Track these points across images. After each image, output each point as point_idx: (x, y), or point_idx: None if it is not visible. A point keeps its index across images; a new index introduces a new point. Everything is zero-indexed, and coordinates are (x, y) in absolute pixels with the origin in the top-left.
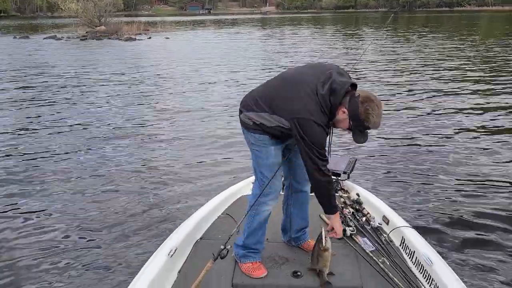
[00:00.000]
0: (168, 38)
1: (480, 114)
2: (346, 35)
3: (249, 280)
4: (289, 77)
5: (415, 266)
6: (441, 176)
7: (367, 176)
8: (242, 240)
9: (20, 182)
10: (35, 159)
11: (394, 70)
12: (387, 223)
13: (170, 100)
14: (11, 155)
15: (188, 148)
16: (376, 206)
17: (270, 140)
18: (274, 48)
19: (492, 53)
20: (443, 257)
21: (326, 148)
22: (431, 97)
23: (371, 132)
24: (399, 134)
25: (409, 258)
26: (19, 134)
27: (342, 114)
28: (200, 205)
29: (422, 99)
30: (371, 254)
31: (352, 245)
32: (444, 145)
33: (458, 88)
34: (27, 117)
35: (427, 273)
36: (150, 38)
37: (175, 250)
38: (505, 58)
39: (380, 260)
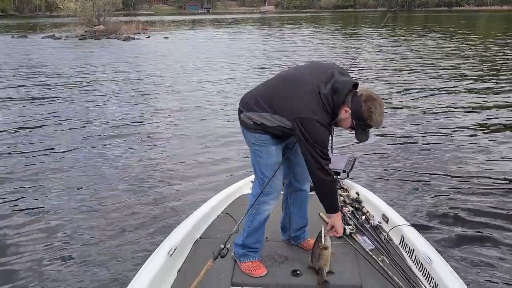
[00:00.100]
0: (167, 37)
1: (479, 112)
2: (345, 35)
3: (249, 279)
4: (290, 77)
5: (415, 265)
6: (440, 175)
7: (367, 175)
8: (241, 239)
9: (18, 180)
10: (33, 157)
11: (392, 69)
12: (387, 222)
13: (169, 99)
14: (9, 153)
15: (187, 147)
16: (376, 205)
17: (271, 139)
18: (273, 47)
19: (490, 53)
20: (442, 255)
21: (329, 148)
22: (430, 95)
23: (370, 131)
24: (398, 133)
25: (409, 256)
26: (17, 133)
27: (345, 113)
28: (200, 204)
29: (421, 98)
30: (370, 253)
31: (351, 243)
32: (443, 144)
33: (457, 87)
34: (25, 116)
35: (426, 271)
36: (149, 37)
37: (175, 249)
38: (504, 57)
39: (379, 259)
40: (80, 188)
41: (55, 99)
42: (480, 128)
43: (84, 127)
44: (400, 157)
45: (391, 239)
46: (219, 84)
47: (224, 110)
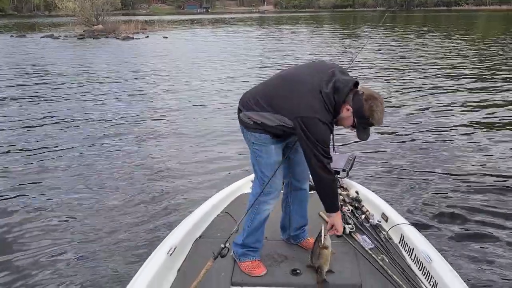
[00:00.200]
0: (166, 37)
1: (478, 111)
2: (343, 34)
3: (248, 279)
4: (289, 76)
5: (414, 263)
6: (440, 173)
7: (366, 174)
8: (241, 239)
9: (18, 178)
10: (33, 156)
11: (391, 69)
12: (386, 221)
13: (168, 98)
14: (9, 152)
15: (187, 146)
16: (375, 204)
17: (271, 139)
18: (272, 47)
19: (489, 52)
20: (442, 254)
21: (330, 146)
22: (429, 94)
23: (370, 129)
24: (397, 132)
25: (408, 255)
26: (17, 132)
27: (346, 112)
28: (200, 204)
29: (420, 97)
30: (370, 252)
31: (351, 242)
32: (442, 142)
33: (456, 86)
34: (24, 115)
35: (426, 270)
36: (147, 37)
37: (175, 249)
38: (502, 56)
39: (379, 258)
40: (79, 186)
41: (54, 98)
42: (479, 127)
43: (82, 126)
44: (399, 156)
45: (390, 238)
46: (218, 84)
47: (224, 109)
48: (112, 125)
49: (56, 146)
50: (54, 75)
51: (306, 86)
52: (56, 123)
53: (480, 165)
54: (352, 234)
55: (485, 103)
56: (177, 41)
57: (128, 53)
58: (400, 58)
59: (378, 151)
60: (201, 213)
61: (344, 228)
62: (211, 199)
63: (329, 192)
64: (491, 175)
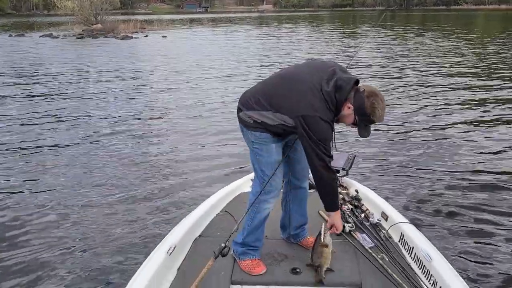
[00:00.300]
0: (165, 36)
1: (477, 109)
2: (343, 33)
3: (248, 277)
4: (288, 75)
5: (414, 262)
6: (440, 172)
7: (366, 173)
8: (241, 238)
9: (18, 176)
10: (31, 154)
11: (390, 67)
12: (386, 219)
13: (167, 97)
14: (8, 150)
15: (186, 145)
16: (375, 203)
17: (271, 138)
18: (271, 46)
19: (487, 51)
20: (442, 253)
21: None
22: (428, 93)
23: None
24: (397, 130)
25: (408, 254)
26: (16, 130)
27: (347, 110)
28: (199, 203)
29: (419, 95)
30: (370, 251)
31: (351, 241)
32: (441, 141)
33: (454, 84)
34: (22, 115)
35: (426, 268)
36: (146, 36)
37: (174, 248)
38: (501, 55)
39: (379, 256)
40: (77, 185)
41: (52, 97)
42: (479, 125)
43: (81, 125)
44: (399, 155)
45: (390, 237)
46: (217, 83)
47: (223, 108)
48: (111, 124)
49: (55, 145)
50: (53, 74)
51: (305, 85)
52: (55, 122)
53: (480, 163)
54: (352, 233)
55: (483, 102)
56: (176, 41)
57: (127, 52)
58: (399, 57)
59: (378, 150)
60: (200, 212)
61: (344, 227)
62: (211, 198)
63: (330, 191)
64: (491, 173)
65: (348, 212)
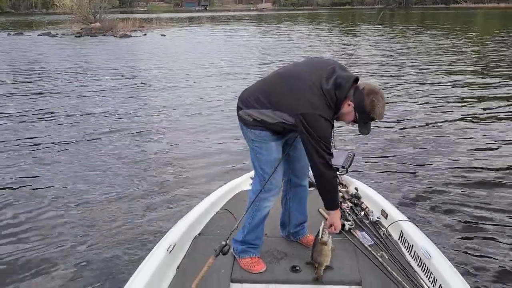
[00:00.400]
0: (164, 35)
1: (476, 107)
2: (342, 32)
3: (248, 275)
4: (287, 73)
5: (414, 260)
6: (440, 170)
7: (366, 170)
8: (241, 236)
9: (18, 174)
10: (31, 152)
11: (388, 65)
12: (386, 217)
13: (166, 95)
14: (8, 148)
15: (185, 144)
16: (375, 200)
17: (271, 136)
18: (270, 44)
19: (486, 49)
20: (441, 251)
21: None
22: (427, 90)
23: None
24: (396, 128)
25: (408, 251)
26: (16, 129)
27: (347, 107)
28: (199, 201)
29: (418, 93)
30: (369, 248)
31: (350, 239)
32: (441, 138)
33: (454, 82)
34: (21, 113)
35: (425, 266)
36: (145, 35)
37: (174, 246)
38: (500, 54)
39: (378, 254)
40: (76, 184)
41: (51, 96)
42: (478, 123)
43: (80, 123)
44: (398, 153)
45: (390, 235)
46: (216, 81)
47: (222, 106)
48: (110, 122)
49: (54, 143)
50: (51, 73)
51: (305, 83)
52: (54, 120)
53: (479, 160)
54: (351, 230)
55: (482, 99)
56: (175, 39)
57: (126, 51)
58: (398, 55)
59: (378, 148)
60: (200, 210)
61: (344, 224)
62: (211, 196)
63: (330, 189)
64: (490, 170)
65: (347, 210)
